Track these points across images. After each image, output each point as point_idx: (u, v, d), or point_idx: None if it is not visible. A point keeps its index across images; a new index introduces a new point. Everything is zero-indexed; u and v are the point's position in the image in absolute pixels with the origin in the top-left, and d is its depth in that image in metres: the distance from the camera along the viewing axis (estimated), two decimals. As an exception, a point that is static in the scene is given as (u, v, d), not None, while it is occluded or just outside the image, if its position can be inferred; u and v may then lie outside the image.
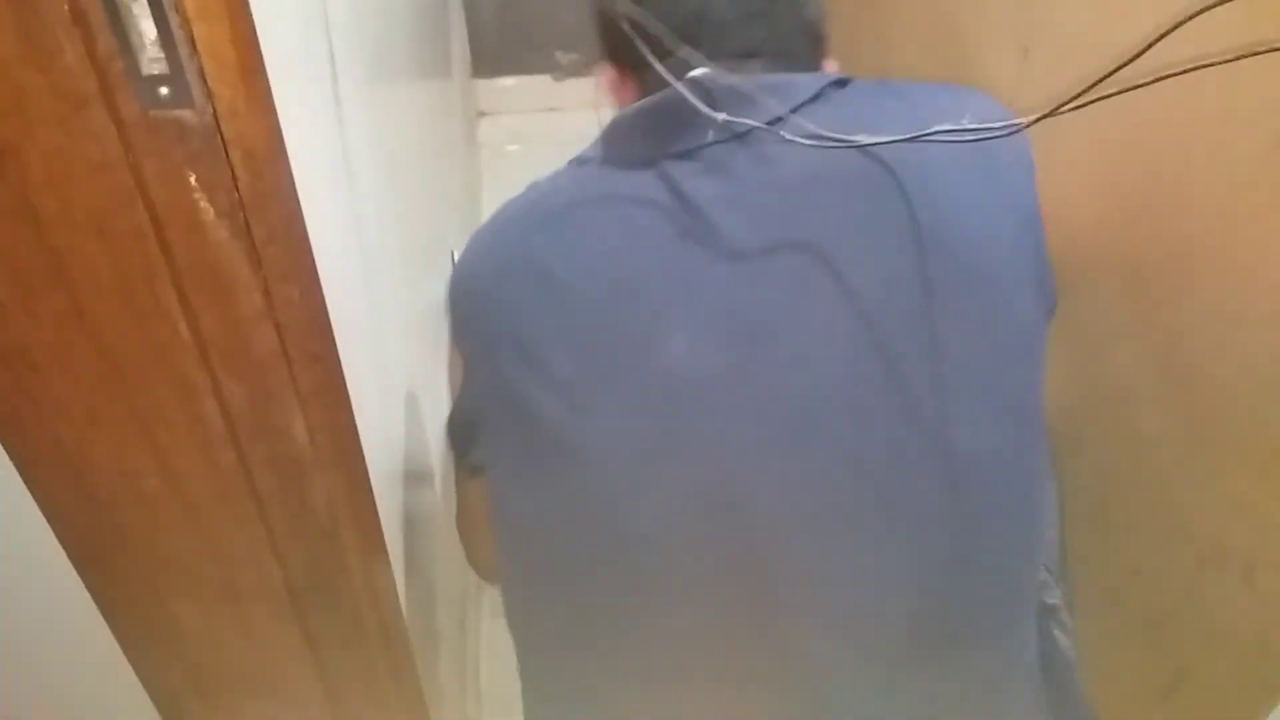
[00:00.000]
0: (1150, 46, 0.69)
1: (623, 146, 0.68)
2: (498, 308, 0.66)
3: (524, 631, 0.72)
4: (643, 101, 0.67)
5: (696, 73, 0.65)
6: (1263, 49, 0.65)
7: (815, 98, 0.66)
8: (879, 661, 0.62)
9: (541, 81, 2.46)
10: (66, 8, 0.41)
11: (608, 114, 0.72)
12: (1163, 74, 0.71)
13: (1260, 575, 0.79)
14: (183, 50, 0.43)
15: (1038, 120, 0.68)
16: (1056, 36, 1.00)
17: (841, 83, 0.68)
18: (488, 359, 0.66)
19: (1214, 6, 0.56)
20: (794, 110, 0.63)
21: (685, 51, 0.65)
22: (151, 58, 0.43)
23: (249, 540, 0.60)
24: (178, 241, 0.49)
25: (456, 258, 1.26)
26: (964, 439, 0.61)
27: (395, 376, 0.81)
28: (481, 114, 2.40)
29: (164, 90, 0.44)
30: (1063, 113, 0.69)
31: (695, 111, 0.62)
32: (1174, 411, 0.87)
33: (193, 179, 0.47)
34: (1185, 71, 0.70)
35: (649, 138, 0.66)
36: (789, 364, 0.60)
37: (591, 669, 0.67)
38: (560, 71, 2.45)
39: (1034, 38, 1.04)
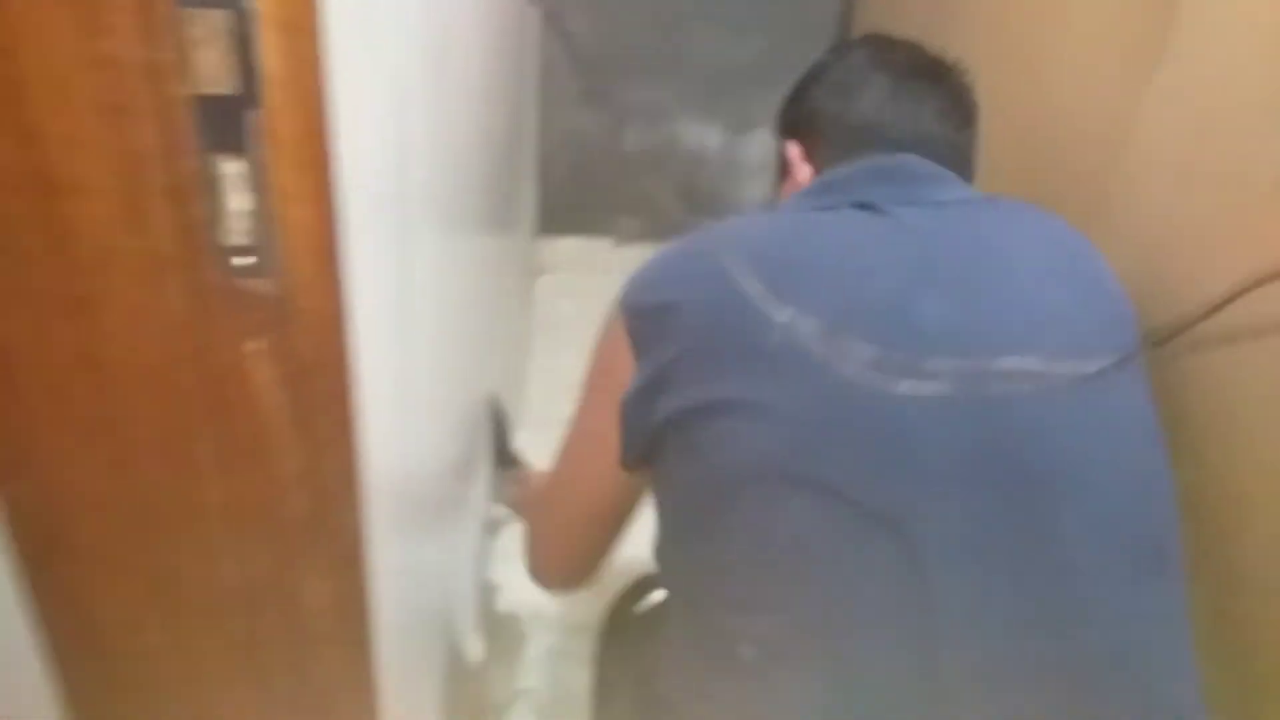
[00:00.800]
0: (1220, 308, 0.70)
1: (838, 190, 0.84)
2: (742, 272, 0.75)
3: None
4: (868, 162, 0.87)
5: (904, 156, 0.86)
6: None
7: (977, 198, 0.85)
8: (1125, 570, 0.73)
9: (603, 245, 2.53)
10: (164, 179, 0.43)
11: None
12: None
13: None
14: (272, 227, 0.45)
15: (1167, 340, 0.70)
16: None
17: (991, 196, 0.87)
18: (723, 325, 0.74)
19: None
20: (956, 200, 0.84)
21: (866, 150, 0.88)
22: (239, 230, 0.45)
23: (245, 707, 0.58)
24: (230, 404, 0.49)
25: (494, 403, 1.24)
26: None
27: (421, 549, 0.80)
28: (541, 271, 2.45)
29: (245, 261, 0.45)
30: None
31: (912, 176, 0.84)
32: (1221, 666, 0.83)
33: (256, 345, 0.48)
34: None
35: (867, 186, 0.83)
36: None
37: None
38: (622, 236, 2.52)
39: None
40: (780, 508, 0.71)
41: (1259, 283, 0.73)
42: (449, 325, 0.93)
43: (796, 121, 0.96)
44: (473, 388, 1.11)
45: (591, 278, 2.46)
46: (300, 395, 0.50)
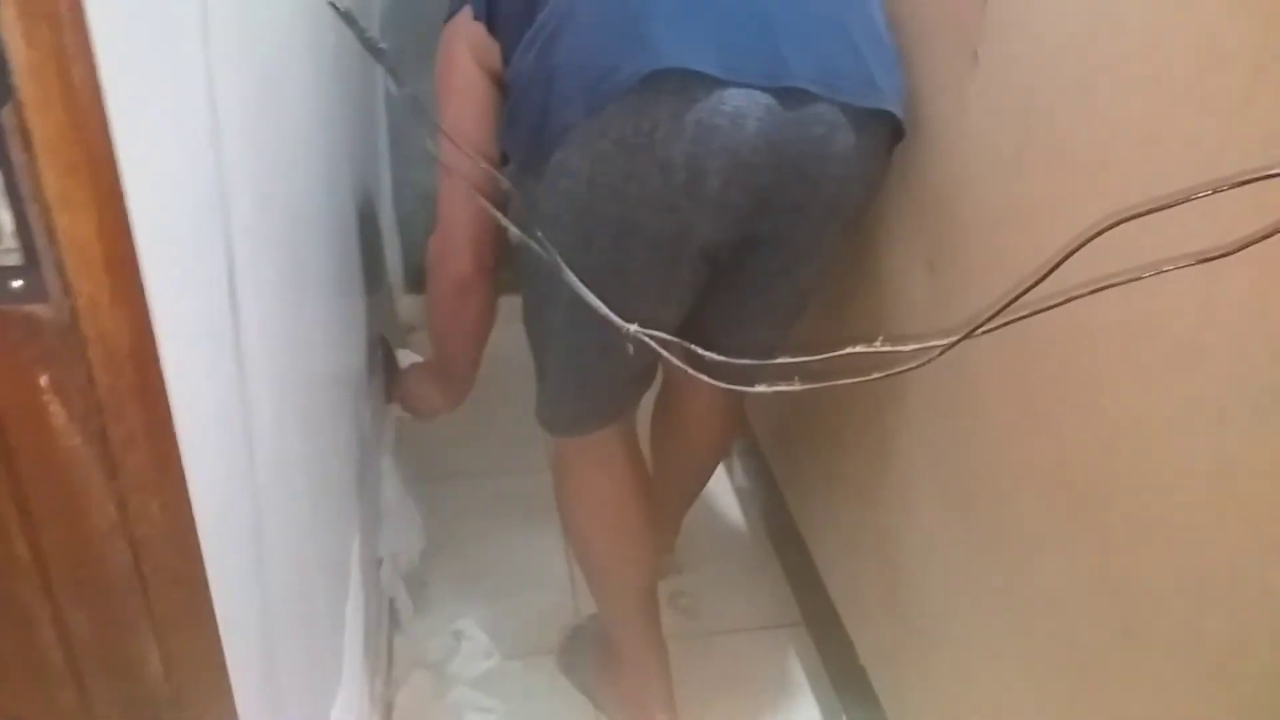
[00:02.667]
0: (1050, 271, 0.70)
1: None
2: None
3: None
4: None
5: None
6: (1168, 268, 0.67)
7: None
8: None
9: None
10: (-91, 195, 0.38)
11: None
12: (1071, 294, 0.72)
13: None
14: (40, 241, 0.40)
15: (955, 343, 0.69)
16: (958, 254, 1.03)
17: None
18: None
19: (1108, 230, 0.58)
20: None
21: None
22: (5, 248, 0.40)
23: (85, 794, 0.52)
24: (21, 448, 0.44)
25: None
26: None
27: (280, 601, 0.75)
28: (411, 329, 2.40)
29: (17, 283, 0.41)
30: (978, 335, 0.70)
31: None
32: (1109, 624, 0.83)
33: (44, 379, 0.43)
34: (1091, 293, 0.72)
35: None
36: None
37: None
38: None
39: (937, 255, 1.07)
40: None
41: (1072, 251, 0.74)
42: (299, 373, 0.88)
43: None
44: (339, 421, 1.05)
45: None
46: (103, 435, 0.45)
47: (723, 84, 0.91)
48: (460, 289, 1.23)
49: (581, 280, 0.89)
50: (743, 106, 0.92)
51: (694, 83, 0.91)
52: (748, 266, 1.11)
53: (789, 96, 0.93)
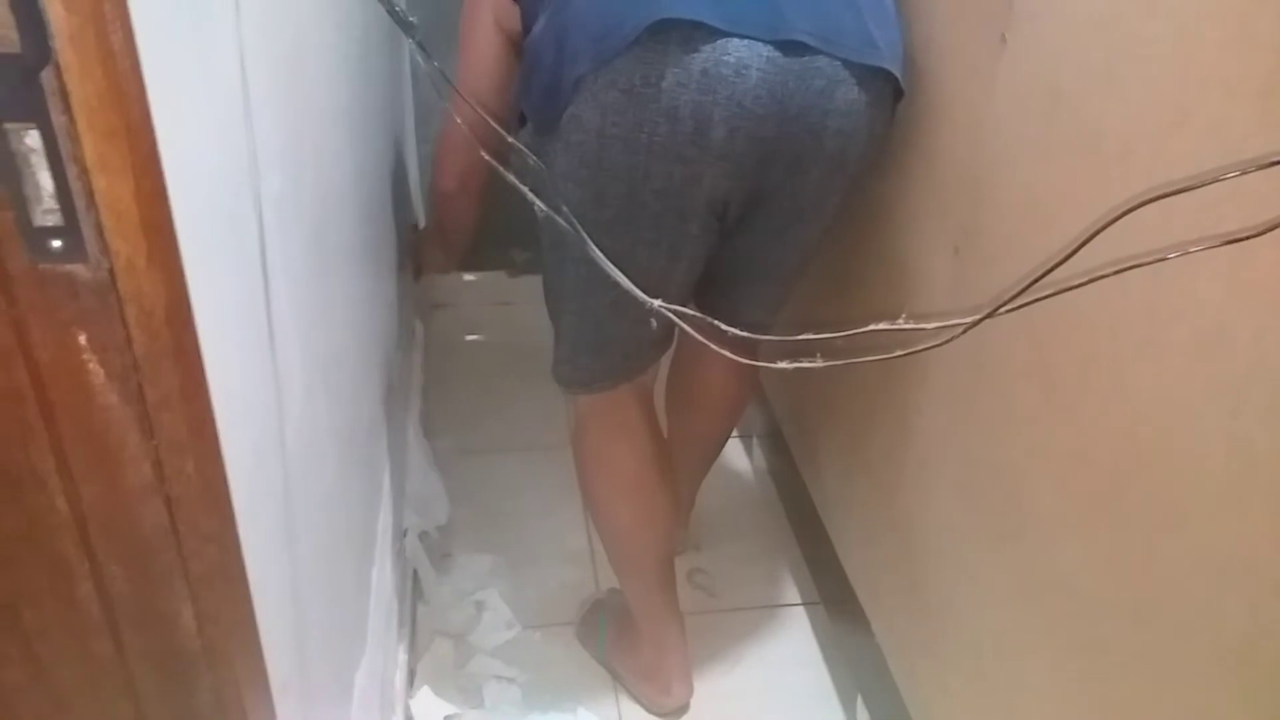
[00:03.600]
0: (1078, 249, 0.70)
1: None
2: None
3: None
4: None
5: None
6: (1194, 248, 0.67)
7: None
8: None
9: (497, 277, 2.51)
10: (-43, 156, 0.39)
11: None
12: (1096, 274, 0.73)
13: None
14: (79, 203, 0.41)
15: (980, 321, 0.69)
16: (984, 238, 1.03)
17: None
18: None
19: (1134, 209, 0.58)
20: None
21: None
22: (46, 209, 0.41)
23: (119, 742, 0.53)
24: (61, 405, 0.45)
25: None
26: None
27: (309, 564, 0.76)
28: (437, 305, 2.42)
29: (56, 243, 0.42)
30: (1001, 314, 0.70)
31: None
32: (1125, 608, 0.84)
33: (82, 338, 0.44)
34: (1116, 272, 0.72)
35: None
36: None
37: None
38: (515, 268, 2.51)
39: (963, 239, 1.07)
40: None
41: (1100, 229, 0.74)
42: (328, 344, 0.89)
43: None
44: (365, 401, 1.07)
45: (488, 309, 2.44)
46: (139, 393, 0.46)
47: (725, 35, 0.96)
48: (446, 198, 1.44)
49: (595, 235, 0.91)
50: (745, 57, 0.96)
51: (698, 33, 0.95)
52: (754, 222, 1.14)
53: (788, 49, 0.98)
